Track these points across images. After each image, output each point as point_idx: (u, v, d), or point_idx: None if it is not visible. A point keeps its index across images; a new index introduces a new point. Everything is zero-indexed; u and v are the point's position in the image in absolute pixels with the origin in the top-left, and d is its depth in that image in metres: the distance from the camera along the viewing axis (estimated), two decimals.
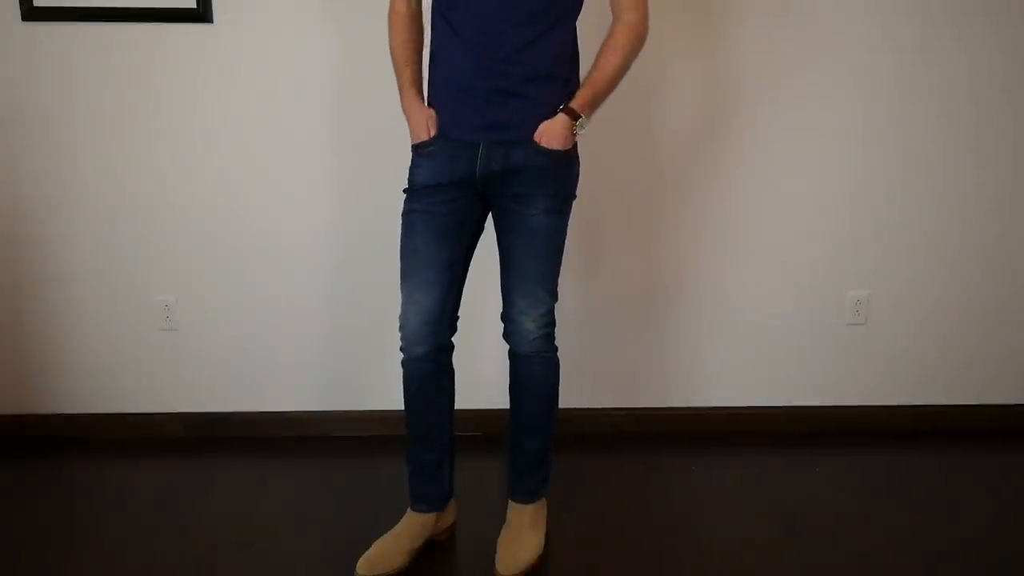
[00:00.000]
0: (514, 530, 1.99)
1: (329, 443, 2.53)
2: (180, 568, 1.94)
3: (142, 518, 2.14)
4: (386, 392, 2.48)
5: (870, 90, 2.41)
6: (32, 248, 2.43)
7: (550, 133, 1.75)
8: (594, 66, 1.78)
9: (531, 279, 1.85)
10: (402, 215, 1.85)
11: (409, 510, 1.99)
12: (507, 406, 1.99)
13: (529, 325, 1.87)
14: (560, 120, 1.75)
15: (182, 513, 2.16)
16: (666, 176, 2.45)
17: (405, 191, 1.86)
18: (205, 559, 1.97)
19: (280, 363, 2.54)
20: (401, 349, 1.88)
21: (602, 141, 2.42)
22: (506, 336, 1.91)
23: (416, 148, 1.83)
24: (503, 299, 1.89)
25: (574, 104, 1.76)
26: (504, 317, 1.90)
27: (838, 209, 2.49)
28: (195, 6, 2.27)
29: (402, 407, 1.95)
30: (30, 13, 2.26)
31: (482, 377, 2.41)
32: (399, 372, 1.91)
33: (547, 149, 1.75)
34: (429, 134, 1.79)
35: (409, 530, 1.97)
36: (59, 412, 2.54)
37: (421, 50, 1.86)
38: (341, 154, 2.40)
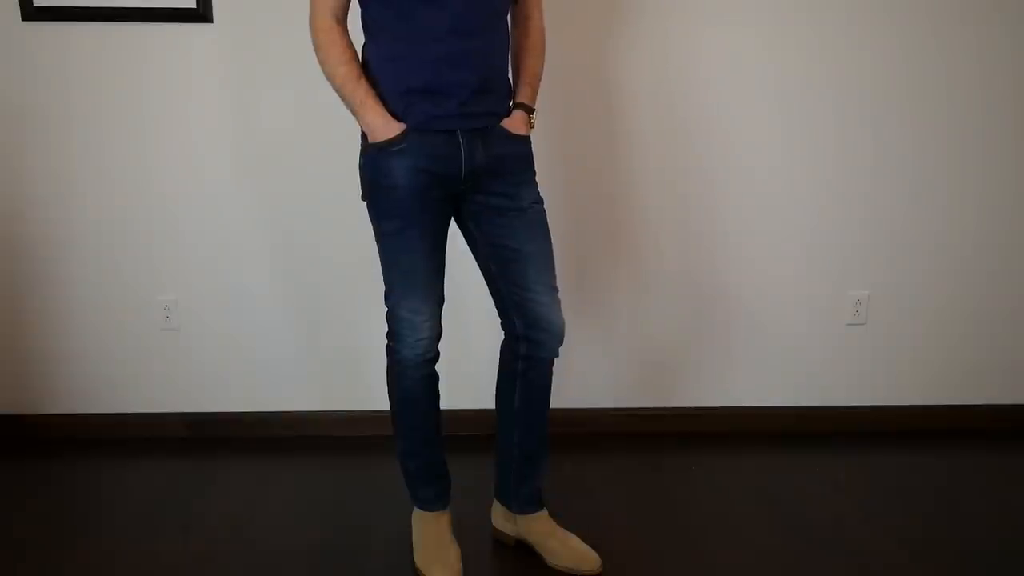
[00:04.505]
0: (561, 533, 1.97)
1: (329, 443, 2.53)
2: (180, 568, 1.94)
3: (142, 518, 2.14)
4: (386, 392, 2.48)
5: (871, 90, 2.41)
6: (32, 248, 2.43)
7: (514, 123, 1.79)
8: (524, 68, 1.85)
9: (548, 270, 1.84)
10: (384, 233, 1.77)
11: (436, 514, 1.95)
12: None
13: (559, 325, 1.84)
14: (520, 115, 1.81)
15: (182, 513, 2.16)
16: (666, 176, 2.45)
17: (374, 198, 1.75)
18: (205, 559, 1.97)
19: (280, 363, 2.54)
20: (408, 360, 1.84)
21: (604, 140, 2.42)
22: (534, 346, 1.85)
23: (387, 145, 1.69)
24: (523, 308, 1.83)
25: (525, 100, 1.83)
26: (531, 325, 1.83)
27: (838, 209, 2.49)
28: (195, 6, 2.28)
29: None
30: (30, 13, 2.27)
31: (482, 377, 2.41)
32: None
33: (518, 135, 1.79)
34: (399, 129, 1.69)
35: (449, 531, 1.95)
36: (59, 412, 2.54)
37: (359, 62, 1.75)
38: (341, 154, 2.40)
